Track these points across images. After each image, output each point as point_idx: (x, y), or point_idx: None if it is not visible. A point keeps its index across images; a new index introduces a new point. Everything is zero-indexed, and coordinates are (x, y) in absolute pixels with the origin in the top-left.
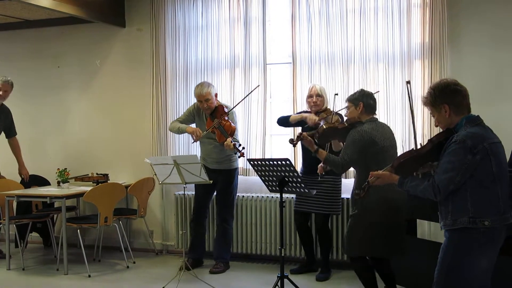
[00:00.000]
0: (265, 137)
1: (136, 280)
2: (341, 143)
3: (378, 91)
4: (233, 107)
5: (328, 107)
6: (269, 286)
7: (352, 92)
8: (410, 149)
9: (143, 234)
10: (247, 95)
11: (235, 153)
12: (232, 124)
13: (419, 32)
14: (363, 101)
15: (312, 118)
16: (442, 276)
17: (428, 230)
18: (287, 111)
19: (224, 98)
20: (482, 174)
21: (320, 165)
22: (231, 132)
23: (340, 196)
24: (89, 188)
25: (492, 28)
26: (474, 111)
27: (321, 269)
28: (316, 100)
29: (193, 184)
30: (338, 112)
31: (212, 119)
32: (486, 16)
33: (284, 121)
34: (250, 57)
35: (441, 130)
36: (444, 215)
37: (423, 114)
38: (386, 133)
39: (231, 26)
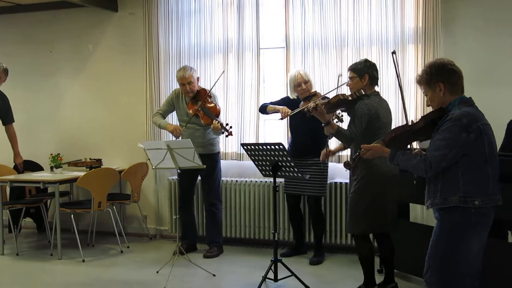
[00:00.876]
0: (258, 121)
1: (130, 265)
2: (336, 125)
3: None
4: (211, 89)
5: (317, 91)
6: (262, 270)
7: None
8: (405, 124)
9: (137, 219)
10: (216, 80)
11: (223, 133)
12: (217, 106)
13: (413, 16)
14: (369, 72)
15: (284, 111)
16: (437, 260)
17: (421, 213)
18: (281, 96)
19: (218, 83)
20: (475, 154)
21: (323, 152)
22: (217, 113)
23: (327, 179)
24: (82, 173)
25: (487, 11)
26: (467, 94)
27: (314, 252)
28: (305, 86)
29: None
30: (326, 96)
31: (194, 103)
32: (480, 1)
33: (263, 109)
34: (244, 41)
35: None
36: (433, 193)
37: (416, 97)
38: (387, 109)
39: (224, 10)
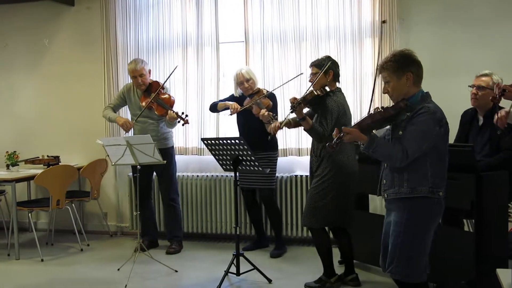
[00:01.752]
0: (218, 115)
1: (91, 263)
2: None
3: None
4: (164, 83)
5: (261, 88)
6: (224, 264)
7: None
8: (379, 111)
9: (97, 216)
10: (169, 75)
11: (179, 122)
12: (171, 97)
13: (370, 10)
14: (333, 69)
15: (234, 106)
16: (405, 249)
17: (380, 205)
18: (222, 98)
19: (176, 77)
20: (441, 147)
21: (274, 126)
22: (171, 104)
23: (276, 171)
24: (40, 171)
25: (441, 6)
26: (424, 87)
27: (275, 245)
28: (247, 85)
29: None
30: (272, 92)
31: (147, 96)
32: None
33: (213, 108)
34: (203, 36)
35: (391, 99)
36: (398, 182)
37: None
38: (348, 105)
39: (182, 4)
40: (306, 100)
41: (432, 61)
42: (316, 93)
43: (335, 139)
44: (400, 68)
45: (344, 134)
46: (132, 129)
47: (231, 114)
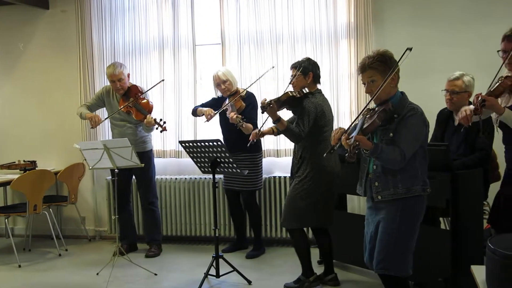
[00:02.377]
0: (196, 118)
1: (69, 268)
2: (250, 125)
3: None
4: (147, 91)
5: (239, 88)
6: (204, 266)
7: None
8: (377, 115)
9: (75, 221)
10: (153, 86)
11: (157, 128)
12: (150, 102)
13: (345, 12)
14: (313, 71)
15: (207, 113)
16: (398, 246)
17: (358, 204)
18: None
19: (153, 80)
20: (425, 145)
21: (254, 131)
22: (149, 109)
23: (261, 171)
24: (16, 176)
25: (414, 7)
26: (400, 86)
27: (253, 246)
28: (225, 86)
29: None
30: (249, 91)
31: (125, 100)
32: None
33: (194, 112)
34: (179, 38)
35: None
36: (393, 184)
37: (350, 90)
38: (329, 106)
39: (158, 7)
40: (281, 101)
41: (408, 60)
42: (291, 95)
43: (350, 150)
44: (389, 68)
45: (358, 143)
46: (111, 132)
47: (207, 121)
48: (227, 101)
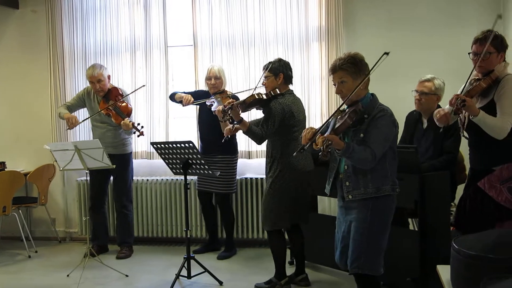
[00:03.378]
0: (168, 119)
1: (39, 269)
2: (232, 126)
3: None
4: (128, 95)
5: (226, 90)
6: (175, 267)
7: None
8: (347, 115)
9: (45, 222)
10: (133, 91)
11: (134, 133)
12: (128, 105)
13: (316, 15)
14: (283, 71)
15: (186, 98)
16: (371, 244)
17: (328, 205)
18: (183, 90)
19: (125, 81)
20: (395, 146)
21: (227, 128)
22: (128, 113)
23: (236, 174)
24: None
25: (385, 11)
26: (371, 89)
27: (224, 247)
28: (215, 82)
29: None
30: (235, 95)
31: (105, 102)
32: (378, 1)
33: (172, 97)
34: (151, 39)
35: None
36: (363, 184)
37: (321, 93)
38: (301, 107)
39: (130, 8)
40: (246, 103)
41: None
42: (257, 97)
43: (323, 148)
44: (359, 70)
45: (331, 142)
46: (92, 133)
47: (183, 105)
48: (212, 97)
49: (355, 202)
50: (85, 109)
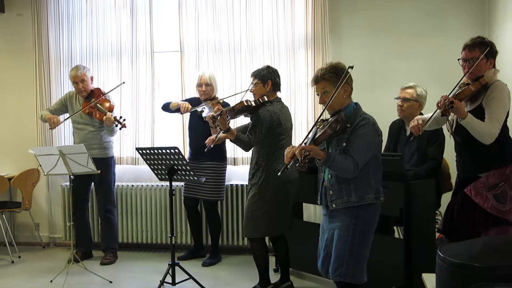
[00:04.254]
0: (153, 125)
1: (22, 275)
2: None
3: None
4: (108, 92)
5: (217, 96)
6: (160, 274)
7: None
8: (328, 125)
9: (29, 228)
10: (114, 88)
11: (116, 126)
12: (111, 102)
13: (303, 23)
14: (272, 79)
15: (184, 106)
16: (353, 253)
17: (314, 213)
18: (176, 99)
19: (111, 86)
20: (379, 154)
21: (210, 138)
22: (110, 109)
23: (224, 182)
24: None
25: (369, 21)
26: (355, 97)
27: (209, 254)
28: (205, 89)
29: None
30: (225, 101)
31: (87, 101)
32: (364, 11)
33: (166, 107)
34: (137, 45)
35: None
36: (346, 192)
37: (307, 100)
38: (288, 115)
39: (116, 13)
40: (235, 110)
41: (362, 71)
42: (246, 104)
43: (300, 160)
44: (339, 80)
45: (309, 152)
46: (73, 137)
47: (181, 113)
48: (203, 104)
49: (338, 211)
50: (68, 113)
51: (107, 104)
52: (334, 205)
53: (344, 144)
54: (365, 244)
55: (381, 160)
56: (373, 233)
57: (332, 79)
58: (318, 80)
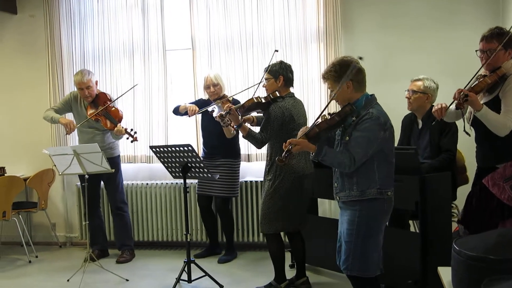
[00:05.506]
0: (167, 123)
1: (39, 275)
2: (234, 131)
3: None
4: (116, 99)
5: (226, 94)
6: (176, 271)
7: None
8: (323, 119)
9: (45, 227)
10: (125, 92)
11: (127, 138)
12: (119, 111)
13: (315, 18)
14: (283, 74)
15: (192, 108)
16: (358, 246)
17: (329, 208)
18: (188, 97)
19: (124, 85)
20: (388, 150)
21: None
22: (119, 118)
23: (238, 179)
24: None
25: (381, 17)
26: (368, 91)
27: (225, 251)
28: (214, 89)
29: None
30: (235, 98)
31: (93, 107)
32: (375, 5)
33: (176, 111)
34: (149, 43)
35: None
36: (348, 186)
37: (320, 94)
38: (302, 110)
39: (128, 11)
40: (245, 107)
41: (375, 65)
42: (256, 101)
43: (284, 152)
44: (340, 77)
45: (292, 146)
46: (77, 139)
47: (189, 116)
48: (213, 103)
49: (346, 204)
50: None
51: (116, 113)
52: (338, 198)
53: (347, 138)
54: (372, 238)
55: (391, 155)
56: (381, 227)
57: (332, 78)
58: (324, 79)
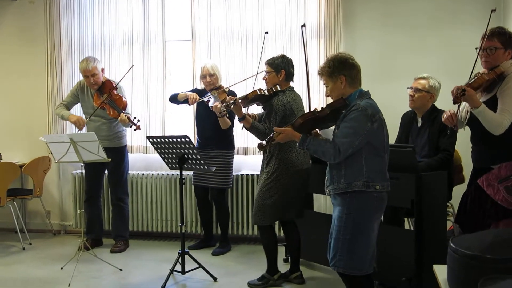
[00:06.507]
0: (165, 113)
1: (33, 262)
2: (229, 121)
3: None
4: (118, 83)
5: (222, 84)
6: (170, 263)
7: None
8: (312, 110)
9: (40, 215)
10: (124, 74)
11: (131, 127)
12: (123, 98)
13: (315, 13)
14: (285, 68)
15: (192, 97)
16: (346, 242)
17: (324, 203)
18: (187, 88)
19: (122, 74)
20: (376, 142)
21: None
22: (123, 106)
23: (232, 170)
24: None
25: (382, 14)
26: (365, 88)
27: (219, 243)
28: (210, 79)
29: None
30: (231, 89)
31: (99, 95)
32: (377, 2)
33: (173, 99)
34: (149, 33)
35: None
36: (336, 179)
37: (319, 88)
38: (301, 104)
39: (128, 1)
40: (248, 99)
41: (375, 62)
42: (259, 93)
43: (266, 139)
44: (333, 72)
45: (275, 134)
46: (86, 127)
47: (190, 105)
48: (209, 94)
49: (336, 199)
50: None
51: (120, 101)
52: (327, 191)
53: (336, 130)
54: (362, 234)
55: (382, 149)
56: (372, 225)
57: (326, 74)
58: (319, 75)
